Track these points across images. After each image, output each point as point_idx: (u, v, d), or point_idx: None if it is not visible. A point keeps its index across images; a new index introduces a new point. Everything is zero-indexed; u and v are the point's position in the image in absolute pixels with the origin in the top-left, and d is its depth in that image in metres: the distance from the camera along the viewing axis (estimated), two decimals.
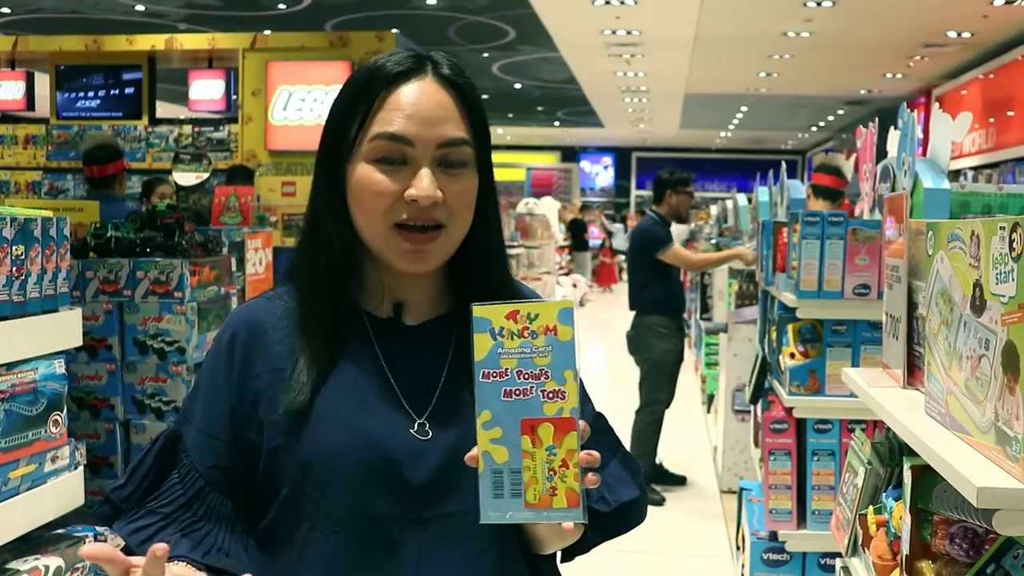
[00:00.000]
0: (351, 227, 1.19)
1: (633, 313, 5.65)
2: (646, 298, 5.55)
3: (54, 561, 1.91)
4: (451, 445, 1.15)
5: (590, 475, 1.02)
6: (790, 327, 2.91)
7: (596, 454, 1.03)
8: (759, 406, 3.39)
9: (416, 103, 1.16)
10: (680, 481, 5.76)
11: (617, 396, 5.55)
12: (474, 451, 1.02)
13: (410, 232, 1.16)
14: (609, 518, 1.23)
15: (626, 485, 1.25)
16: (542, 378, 1.01)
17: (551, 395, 1.01)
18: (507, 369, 1.01)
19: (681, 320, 5.67)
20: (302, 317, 1.20)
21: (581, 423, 1.02)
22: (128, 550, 1.15)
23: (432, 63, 1.20)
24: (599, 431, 1.22)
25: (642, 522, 1.29)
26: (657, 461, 5.71)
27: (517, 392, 1.01)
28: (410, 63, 1.19)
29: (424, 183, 1.14)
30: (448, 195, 1.16)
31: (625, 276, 14.72)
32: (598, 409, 1.31)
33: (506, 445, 1.00)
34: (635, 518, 1.28)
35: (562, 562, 1.30)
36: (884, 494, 1.70)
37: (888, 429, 1.72)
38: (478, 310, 1.02)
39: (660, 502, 5.38)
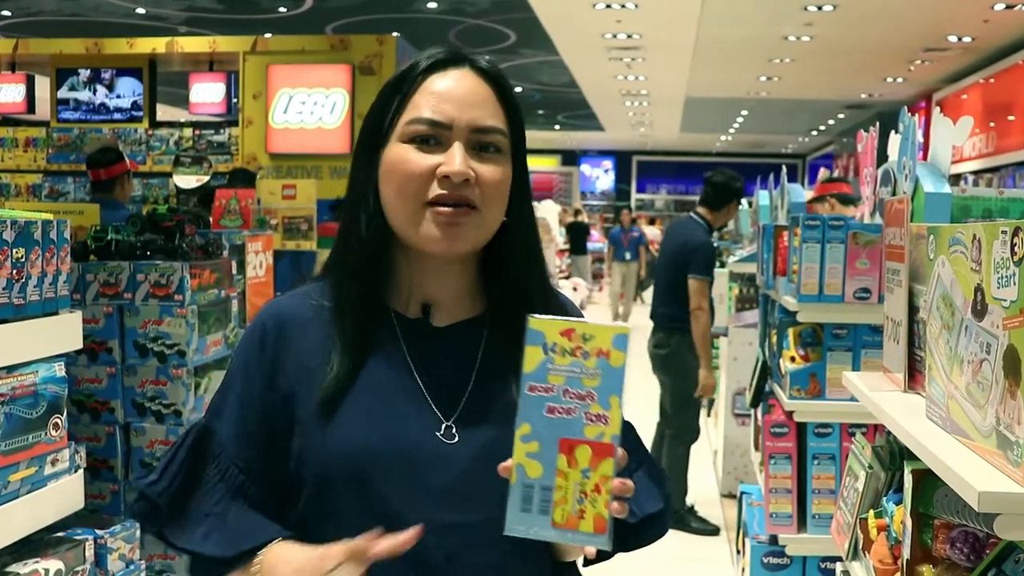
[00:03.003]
0: (383, 217, 1.19)
1: (655, 326, 5.04)
2: (687, 314, 4.79)
3: (54, 564, 1.91)
4: (478, 450, 1.14)
5: (615, 504, 1.00)
6: (791, 331, 2.91)
7: (630, 483, 1.02)
8: (759, 410, 3.39)
9: (453, 88, 1.17)
10: (714, 532, 5.01)
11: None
12: (508, 462, 1.00)
13: (442, 207, 1.14)
14: (633, 530, 1.21)
15: (652, 496, 1.23)
16: (587, 400, 0.99)
17: (594, 418, 0.99)
18: (554, 385, 1.00)
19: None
20: (335, 312, 1.20)
21: (620, 451, 1.00)
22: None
23: (469, 58, 1.21)
24: (626, 440, 1.21)
25: (664, 535, 1.26)
26: (689, 503, 5.12)
27: (560, 410, 0.99)
28: (446, 55, 1.20)
29: (456, 159, 1.14)
30: (480, 177, 1.15)
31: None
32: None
33: (541, 461, 0.99)
34: (659, 531, 1.26)
35: (584, 566, 1.29)
36: (885, 498, 1.70)
37: (889, 433, 1.72)
38: (533, 321, 1.01)
39: (715, 531, 4.98)
